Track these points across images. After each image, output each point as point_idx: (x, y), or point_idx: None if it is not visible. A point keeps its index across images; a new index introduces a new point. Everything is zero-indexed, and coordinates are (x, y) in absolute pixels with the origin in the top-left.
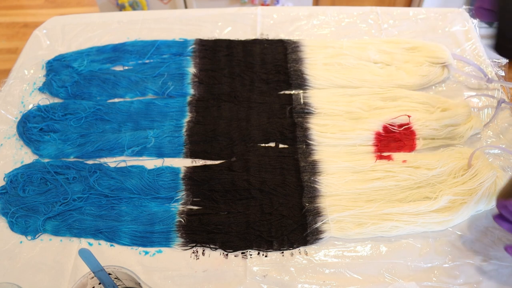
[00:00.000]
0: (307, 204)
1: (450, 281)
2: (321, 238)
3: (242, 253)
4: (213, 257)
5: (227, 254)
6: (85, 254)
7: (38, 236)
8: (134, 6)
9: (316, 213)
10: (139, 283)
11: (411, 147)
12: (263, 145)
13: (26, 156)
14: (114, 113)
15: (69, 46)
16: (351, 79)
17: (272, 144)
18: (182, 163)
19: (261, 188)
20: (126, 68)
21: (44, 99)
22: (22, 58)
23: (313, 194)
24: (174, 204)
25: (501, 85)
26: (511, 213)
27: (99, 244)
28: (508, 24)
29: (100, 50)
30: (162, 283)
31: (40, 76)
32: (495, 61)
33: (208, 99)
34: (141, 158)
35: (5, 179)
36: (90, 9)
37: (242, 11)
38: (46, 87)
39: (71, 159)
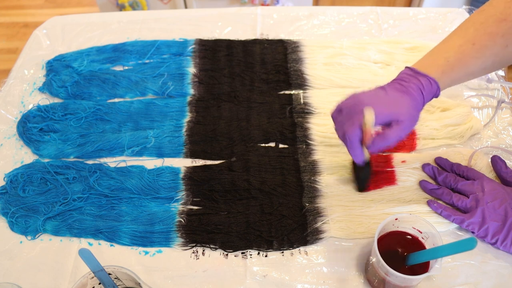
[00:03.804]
0: (307, 204)
1: (450, 281)
2: (321, 238)
3: (242, 253)
4: (213, 257)
5: (227, 254)
6: (85, 254)
7: (38, 236)
8: (134, 6)
9: (316, 213)
10: (139, 283)
11: (411, 147)
12: (263, 145)
13: (26, 156)
14: (114, 113)
15: (69, 46)
16: (351, 79)
17: (272, 144)
18: (182, 163)
19: (261, 188)
20: (126, 68)
21: (44, 99)
22: (22, 58)
23: (313, 194)
24: (174, 204)
25: (501, 85)
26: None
27: (99, 244)
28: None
29: (100, 50)
30: (162, 283)
31: (40, 76)
32: None
33: (208, 99)
34: (141, 158)
35: (5, 179)
36: (90, 9)
37: (242, 11)
38: (46, 87)
39: (71, 159)
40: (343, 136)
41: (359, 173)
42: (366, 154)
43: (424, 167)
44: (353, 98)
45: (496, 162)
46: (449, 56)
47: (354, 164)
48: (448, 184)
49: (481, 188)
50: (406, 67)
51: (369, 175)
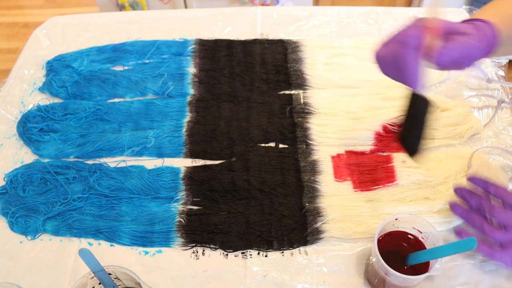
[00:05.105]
0: (307, 204)
1: (450, 281)
2: (321, 238)
3: (242, 253)
4: (213, 257)
5: (227, 254)
6: (85, 254)
7: (38, 236)
8: (134, 6)
9: (316, 213)
10: (139, 283)
11: None
12: (263, 145)
13: (26, 156)
14: (114, 113)
15: (69, 46)
16: (351, 79)
17: (272, 144)
18: (182, 163)
19: (261, 188)
20: (126, 68)
21: (44, 99)
22: (22, 58)
23: (313, 194)
24: (174, 204)
25: (501, 85)
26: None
27: (99, 244)
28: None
29: (100, 50)
30: (162, 283)
31: (40, 76)
32: (495, 61)
33: (208, 99)
34: (141, 158)
35: (5, 179)
36: (90, 9)
37: (242, 11)
38: (46, 87)
39: (71, 159)
40: (394, 51)
41: (413, 117)
42: (427, 76)
43: (456, 191)
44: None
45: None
46: (503, 7)
47: (408, 105)
48: (482, 210)
49: None
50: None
51: (425, 122)
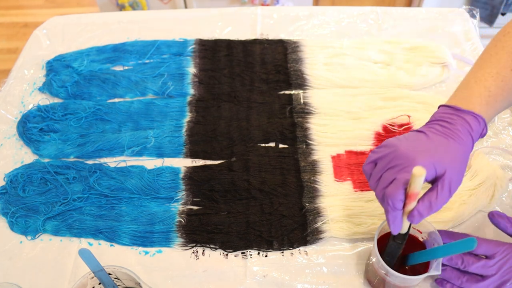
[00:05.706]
0: (307, 204)
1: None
2: (321, 238)
3: (242, 253)
4: (213, 257)
5: (227, 254)
6: (85, 254)
7: (38, 236)
8: (134, 6)
9: (316, 213)
10: (139, 283)
11: None
12: (263, 145)
13: (26, 156)
14: (114, 113)
15: (69, 46)
16: (351, 79)
17: (272, 144)
18: (182, 163)
19: (261, 188)
20: (126, 68)
21: (44, 99)
22: (22, 58)
23: (313, 194)
24: (174, 204)
25: None
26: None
27: (99, 244)
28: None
29: (100, 50)
30: (162, 283)
31: (40, 76)
32: None
33: (208, 99)
34: (141, 158)
35: (5, 179)
36: (90, 9)
37: (242, 11)
38: (46, 87)
39: (71, 159)
40: (382, 198)
41: (389, 245)
42: (405, 225)
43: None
44: (389, 147)
45: (498, 222)
46: (489, 85)
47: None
48: (455, 265)
49: (498, 267)
50: (441, 106)
51: (399, 252)
